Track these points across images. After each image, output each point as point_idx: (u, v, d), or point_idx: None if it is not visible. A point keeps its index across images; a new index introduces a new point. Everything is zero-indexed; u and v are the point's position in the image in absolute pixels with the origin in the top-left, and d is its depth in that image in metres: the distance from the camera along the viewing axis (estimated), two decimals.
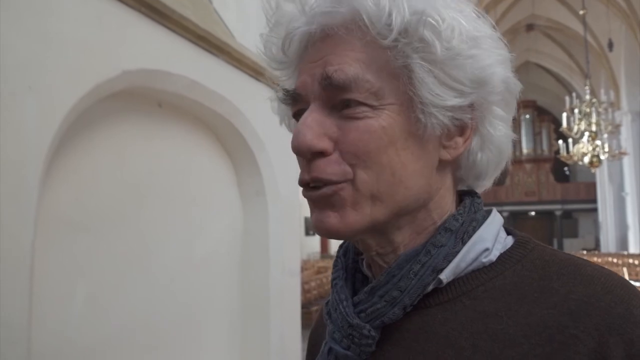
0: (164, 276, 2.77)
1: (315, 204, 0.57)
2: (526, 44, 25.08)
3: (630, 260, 15.37)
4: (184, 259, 2.96)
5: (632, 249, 19.68)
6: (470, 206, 0.61)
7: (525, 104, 27.77)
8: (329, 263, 17.33)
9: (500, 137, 0.60)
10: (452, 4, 0.56)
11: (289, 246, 3.88)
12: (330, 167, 0.55)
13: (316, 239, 25.35)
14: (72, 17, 1.97)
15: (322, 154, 0.55)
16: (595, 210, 24.98)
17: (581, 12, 14.90)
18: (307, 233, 24.04)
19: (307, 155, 0.55)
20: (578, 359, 0.47)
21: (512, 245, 0.60)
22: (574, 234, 27.63)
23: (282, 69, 0.63)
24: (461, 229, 0.58)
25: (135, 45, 2.31)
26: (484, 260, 0.58)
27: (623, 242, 21.35)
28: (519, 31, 23.61)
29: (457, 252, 0.57)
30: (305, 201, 0.61)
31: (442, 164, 0.59)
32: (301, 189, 0.59)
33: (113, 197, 2.47)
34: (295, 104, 0.59)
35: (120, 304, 2.45)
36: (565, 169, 27.46)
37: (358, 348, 0.57)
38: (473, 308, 0.55)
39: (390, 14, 0.53)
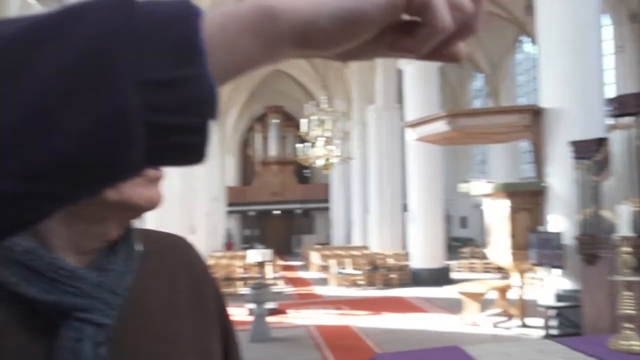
0: None
1: None
2: None
3: (354, 252, 17.61)
4: None
5: (355, 242, 22.55)
6: None
7: (274, 109, 29.72)
8: None
9: None
10: None
11: None
12: None
13: None
14: None
15: None
16: (329, 209, 27.91)
17: None
18: None
19: None
20: (185, 262, 0.82)
21: None
22: (311, 231, 30.44)
23: None
24: None
25: None
26: None
27: (348, 236, 24.31)
28: None
29: None
30: None
31: None
32: None
33: None
34: None
35: None
36: (307, 171, 30.04)
37: None
38: None
39: None
